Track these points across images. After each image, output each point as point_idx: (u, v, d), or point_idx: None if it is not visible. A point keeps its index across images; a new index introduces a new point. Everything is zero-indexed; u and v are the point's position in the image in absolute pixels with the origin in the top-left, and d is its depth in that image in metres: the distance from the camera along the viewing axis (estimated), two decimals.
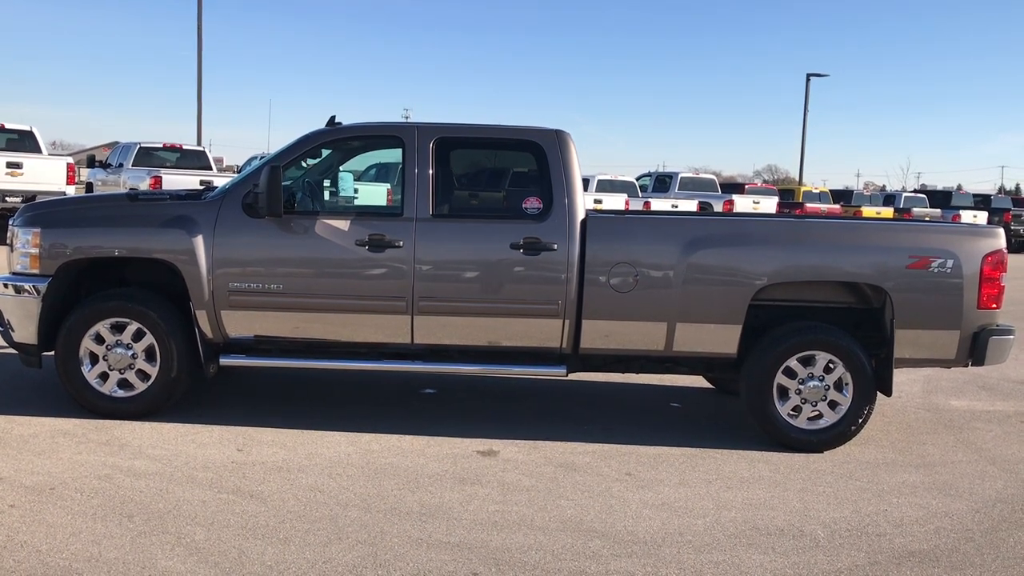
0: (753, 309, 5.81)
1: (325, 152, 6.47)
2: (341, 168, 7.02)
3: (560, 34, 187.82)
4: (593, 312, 5.79)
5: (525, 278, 5.80)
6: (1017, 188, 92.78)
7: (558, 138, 5.97)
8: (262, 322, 5.87)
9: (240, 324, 5.86)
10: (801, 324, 5.90)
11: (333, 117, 6.25)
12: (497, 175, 6.61)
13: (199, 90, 29.40)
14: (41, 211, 6.05)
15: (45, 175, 16.57)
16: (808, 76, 41.88)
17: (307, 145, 6.07)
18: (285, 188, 5.82)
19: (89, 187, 20.99)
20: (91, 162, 21.40)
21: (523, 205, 5.90)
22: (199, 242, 5.74)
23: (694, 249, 5.74)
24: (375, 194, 15.62)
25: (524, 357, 6.01)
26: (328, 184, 6.82)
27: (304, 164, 6.33)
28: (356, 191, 10.39)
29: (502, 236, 5.78)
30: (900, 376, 6.84)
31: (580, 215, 5.83)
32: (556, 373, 5.99)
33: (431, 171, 5.87)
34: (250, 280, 5.79)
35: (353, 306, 5.82)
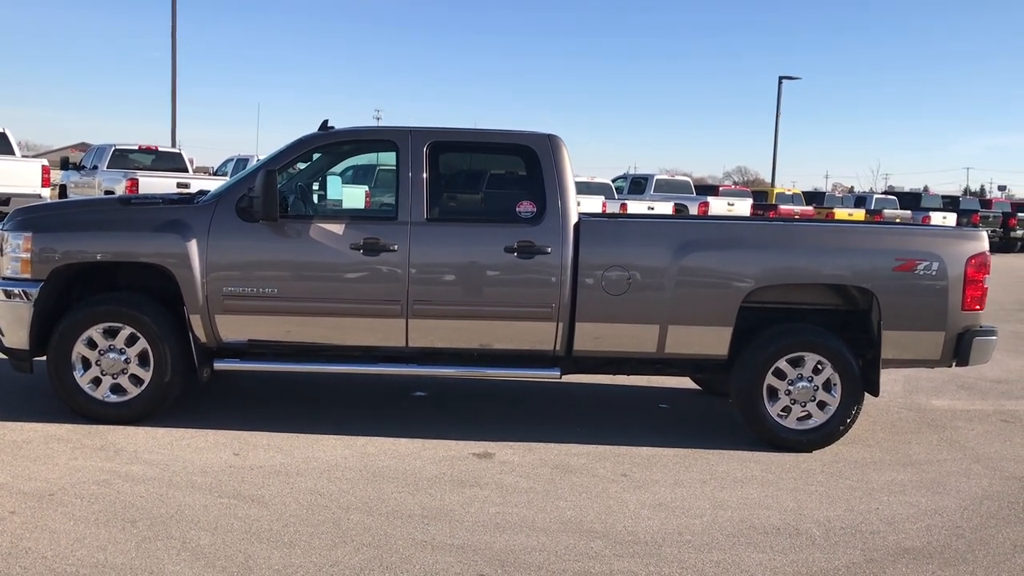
0: (743, 311, 5.89)
1: (316, 156, 6.47)
2: (329, 172, 7.03)
3: (530, 36, 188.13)
4: (586, 315, 5.85)
5: (519, 281, 5.84)
6: (982, 189, 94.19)
7: (551, 142, 6.02)
8: (256, 326, 5.87)
9: (234, 328, 5.86)
10: (790, 326, 6.00)
11: (326, 121, 6.25)
12: (490, 179, 6.64)
13: (173, 91, 29.20)
14: (33, 215, 6.01)
15: (19, 177, 16.33)
16: (780, 79, 42.29)
17: (301, 149, 6.08)
18: (278, 192, 5.82)
19: (63, 189, 20.73)
20: (64, 164, 21.12)
21: (517, 209, 5.95)
22: (193, 246, 5.73)
23: (686, 252, 5.82)
24: (353, 196, 15.59)
25: (518, 360, 6.06)
26: (317, 188, 6.82)
27: (297, 168, 6.33)
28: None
29: (496, 240, 5.83)
30: (882, 377, 6.95)
31: (573, 218, 5.88)
32: (549, 376, 6.05)
33: (425, 175, 5.90)
34: (244, 284, 5.79)
35: (348, 310, 5.84)
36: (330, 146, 6.27)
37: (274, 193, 5.62)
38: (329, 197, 6.77)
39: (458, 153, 6.45)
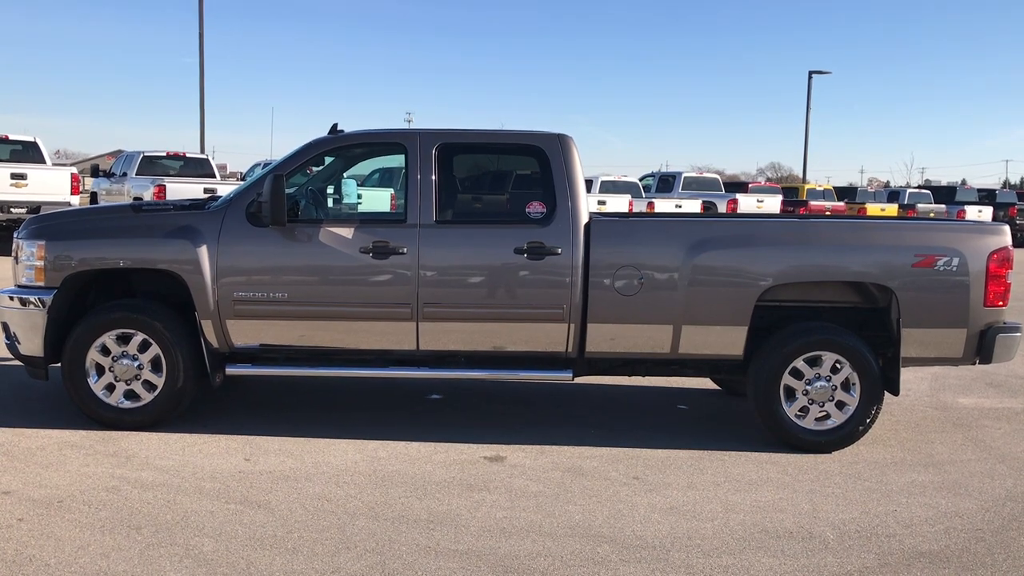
0: (759, 310, 5.79)
1: (328, 160, 6.47)
2: (345, 175, 7.03)
3: (560, 36, 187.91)
4: (598, 316, 5.78)
5: (530, 283, 5.79)
6: (1022, 182, 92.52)
7: (560, 142, 5.96)
8: (267, 331, 5.87)
9: (245, 333, 5.86)
10: (807, 325, 5.89)
11: (335, 125, 6.25)
12: (500, 180, 6.60)
13: (201, 98, 29.47)
14: (46, 223, 6.06)
15: (49, 186, 16.60)
16: (810, 73, 41.79)
17: (310, 153, 6.07)
18: (289, 196, 5.82)
19: (93, 197, 21.02)
20: (95, 171, 21.41)
21: (526, 210, 5.89)
22: (203, 252, 5.74)
23: (699, 251, 5.73)
24: (378, 199, 15.65)
25: (530, 362, 6.01)
26: (332, 191, 6.82)
27: (307, 172, 6.33)
28: (360, 197, 10.36)
29: (506, 241, 5.78)
30: (907, 374, 6.80)
31: (584, 219, 5.82)
32: (562, 377, 5.98)
33: (434, 177, 5.87)
34: (255, 289, 5.79)
35: (358, 313, 5.82)
36: (339, 149, 6.25)
37: (282, 198, 5.62)
38: (340, 201, 6.76)
39: (467, 154, 6.40)
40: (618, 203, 21.88)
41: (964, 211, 29.27)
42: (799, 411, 5.83)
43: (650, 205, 22.83)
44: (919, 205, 30.86)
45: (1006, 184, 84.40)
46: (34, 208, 15.74)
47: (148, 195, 17.12)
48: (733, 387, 7.33)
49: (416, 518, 4.55)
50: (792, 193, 31.32)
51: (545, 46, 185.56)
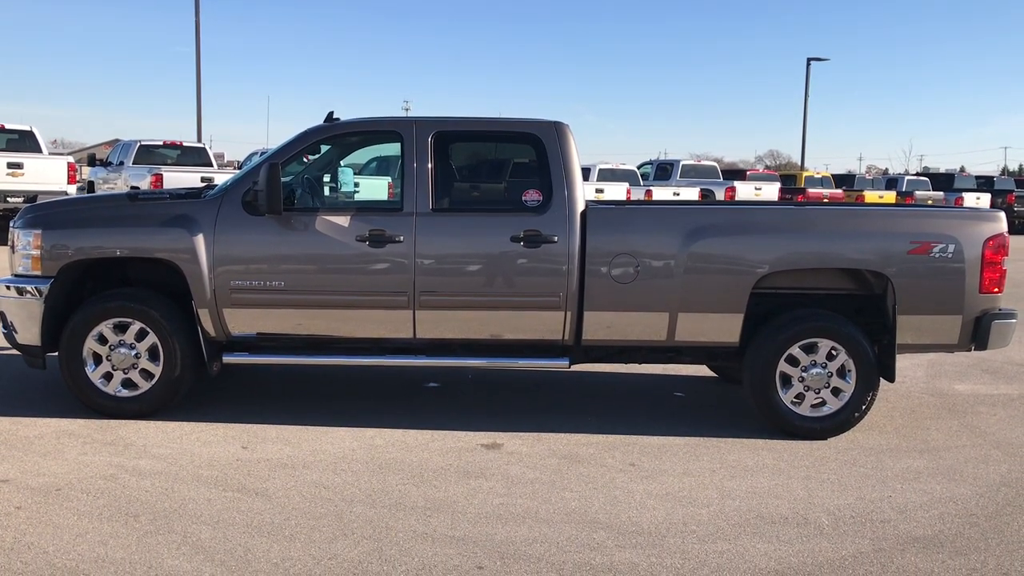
0: (755, 297, 5.80)
1: (324, 148, 6.47)
2: (341, 163, 7.03)
3: (560, 24, 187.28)
4: (595, 303, 5.79)
5: (526, 271, 5.80)
6: (1020, 169, 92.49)
7: (557, 130, 5.96)
8: (264, 319, 5.88)
9: (242, 322, 5.87)
10: (803, 312, 5.90)
11: (331, 113, 6.24)
12: (496, 168, 6.60)
13: (198, 87, 29.39)
14: (42, 212, 6.06)
15: (46, 175, 16.60)
16: (808, 60, 41.71)
17: (305, 142, 6.07)
18: (285, 185, 5.83)
19: (91, 186, 21.01)
20: (92, 161, 21.41)
21: (523, 198, 5.90)
22: (200, 240, 5.75)
23: (695, 238, 5.74)
24: (376, 188, 15.63)
25: (527, 350, 6.02)
26: (328, 180, 6.82)
27: (303, 160, 6.33)
28: (357, 186, 10.35)
29: (502, 229, 5.78)
30: (904, 361, 6.80)
31: (580, 207, 5.82)
32: (559, 365, 6.00)
33: (430, 165, 5.87)
34: (252, 278, 5.79)
35: (355, 302, 5.83)
36: (335, 138, 6.24)
37: (278, 186, 5.62)
38: (337, 189, 6.76)
39: (463, 143, 6.41)
40: (616, 191, 21.87)
41: (962, 198, 29.27)
42: (795, 398, 5.85)
43: (648, 193, 22.83)
44: (917, 192, 30.85)
45: (1004, 171, 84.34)
46: (31, 197, 15.73)
47: (145, 184, 17.10)
48: (729, 374, 7.35)
49: (413, 505, 4.57)
50: (790, 180, 31.31)
51: (544, 35, 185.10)
